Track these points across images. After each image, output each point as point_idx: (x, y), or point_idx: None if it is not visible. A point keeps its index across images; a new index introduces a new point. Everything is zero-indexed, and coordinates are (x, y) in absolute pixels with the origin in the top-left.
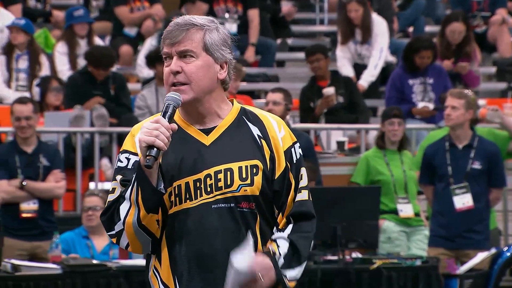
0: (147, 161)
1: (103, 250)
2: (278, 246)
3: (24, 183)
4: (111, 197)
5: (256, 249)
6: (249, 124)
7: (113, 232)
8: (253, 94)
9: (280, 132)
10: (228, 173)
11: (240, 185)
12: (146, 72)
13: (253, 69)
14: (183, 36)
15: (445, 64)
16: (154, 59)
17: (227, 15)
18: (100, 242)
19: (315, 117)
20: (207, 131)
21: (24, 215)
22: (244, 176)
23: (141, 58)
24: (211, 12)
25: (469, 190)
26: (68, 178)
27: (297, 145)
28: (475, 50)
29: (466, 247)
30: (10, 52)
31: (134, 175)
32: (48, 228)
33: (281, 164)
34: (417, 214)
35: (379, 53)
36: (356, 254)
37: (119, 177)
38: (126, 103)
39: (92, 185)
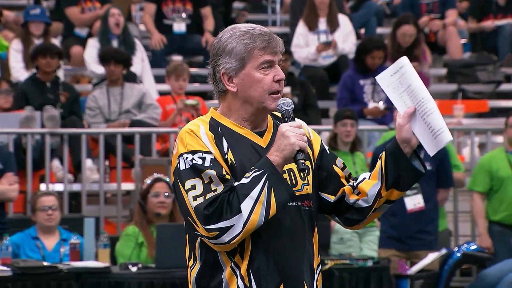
0: (303, 164)
1: (54, 249)
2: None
3: None
4: (194, 193)
5: (312, 248)
6: None
7: (216, 227)
8: (206, 96)
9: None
10: (291, 172)
11: (302, 184)
12: (96, 67)
13: (205, 70)
14: (281, 44)
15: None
16: (107, 57)
17: (175, 16)
18: (50, 241)
19: None
20: (260, 134)
21: None
22: (302, 175)
23: (91, 56)
24: (159, 13)
25: (420, 191)
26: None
27: None
28: (425, 52)
29: (417, 248)
30: None
31: (261, 175)
32: (0, 230)
33: (316, 150)
34: None
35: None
36: None
37: (209, 173)
38: (78, 113)
39: (43, 186)
